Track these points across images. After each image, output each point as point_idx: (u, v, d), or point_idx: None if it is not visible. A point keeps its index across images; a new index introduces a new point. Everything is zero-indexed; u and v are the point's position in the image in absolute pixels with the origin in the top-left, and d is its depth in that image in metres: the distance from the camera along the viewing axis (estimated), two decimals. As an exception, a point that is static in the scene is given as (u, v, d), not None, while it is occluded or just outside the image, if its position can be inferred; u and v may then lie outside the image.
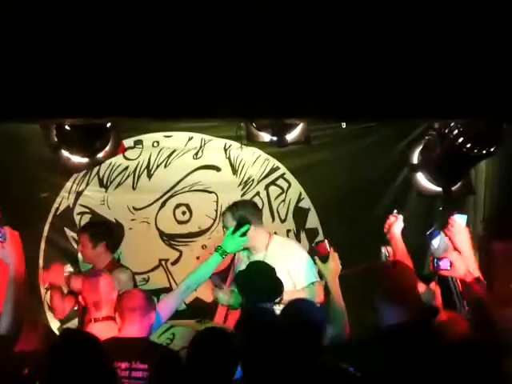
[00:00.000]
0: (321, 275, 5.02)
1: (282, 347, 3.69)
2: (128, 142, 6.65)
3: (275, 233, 6.08)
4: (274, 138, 5.94)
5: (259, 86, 4.24)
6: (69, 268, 6.13)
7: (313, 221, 6.96)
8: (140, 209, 6.85)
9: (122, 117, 4.82)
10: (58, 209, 6.82)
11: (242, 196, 6.78)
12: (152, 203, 6.86)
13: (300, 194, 6.97)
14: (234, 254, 5.85)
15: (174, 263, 6.87)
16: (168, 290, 6.50)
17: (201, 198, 6.87)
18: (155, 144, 6.85)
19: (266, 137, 5.95)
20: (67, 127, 5.45)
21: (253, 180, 6.91)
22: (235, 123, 6.31)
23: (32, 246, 6.58)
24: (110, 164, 6.71)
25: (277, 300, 4.93)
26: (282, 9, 4.03)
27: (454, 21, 4.28)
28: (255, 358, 3.70)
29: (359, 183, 6.68)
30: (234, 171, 6.90)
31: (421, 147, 6.01)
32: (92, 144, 5.82)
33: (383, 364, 3.78)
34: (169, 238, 6.89)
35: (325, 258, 4.68)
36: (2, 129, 6.00)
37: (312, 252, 5.30)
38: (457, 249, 4.34)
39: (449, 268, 4.29)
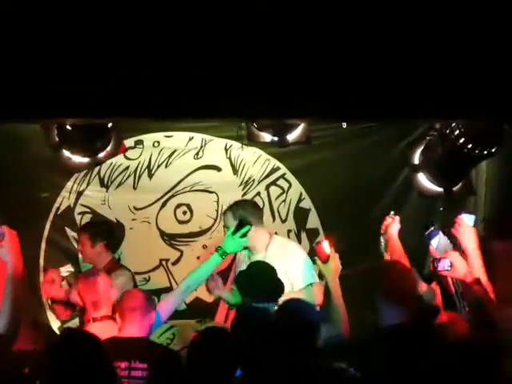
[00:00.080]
0: (321, 275, 5.01)
1: (276, 346, 3.68)
2: (129, 142, 6.66)
3: (276, 233, 6.07)
4: (275, 139, 5.95)
5: (259, 86, 4.24)
6: (69, 268, 6.14)
7: (313, 221, 6.96)
8: (141, 209, 6.85)
9: (123, 117, 4.82)
10: (58, 208, 6.81)
11: (242, 196, 6.78)
12: (153, 203, 6.86)
13: (301, 194, 6.97)
14: (235, 254, 5.85)
15: (174, 263, 6.87)
16: (169, 289, 6.48)
17: (201, 198, 6.87)
18: (156, 144, 6.85)
19: (267, 137, 5.96)
20: (68, 127, 5.46)
21: (253, 180, 6.91)
22: (236, 123, 6.31)
23: (33, 245, 6.59)
24: (111, 164, 6.71)
25: (277, 300, 4.92)
26: (282, 9, 4.03)
27: (454, 21, 4.28)
28: (250, 357, 3.70)
29: (360, 183, 6.69)
30: (235, 171, 6.90)
31: (422, 148, 6.01)
32: (93, 144, 5.82)
33: (383, 364, 3.78)
34: (169, 238, 6.89)
35: (325, 259, 4.69)
36: (3, 129, 6.00)
37: (313, 252, 5.30)
38: (463, 248, 4.35)
39: (449, 268, 4.29)
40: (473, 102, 4.50)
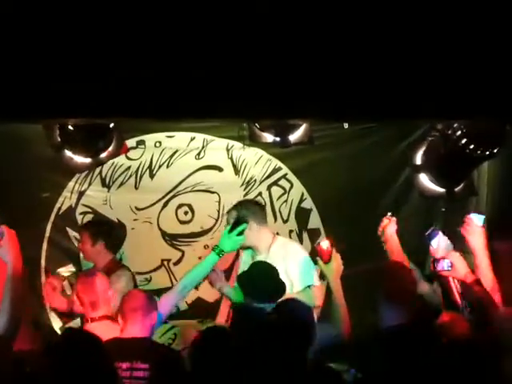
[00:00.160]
0: (323, 275, 5.02)
1: (271, 346, 3.68)
2: (130, 142, 6.65)
3: (277, 233, 6.07)
4: (277, 139, 5.94)
5: (260, 86, 4.24)
6: (71, 268, 6.14)
7: (315, 221, 6.96)
8: (142, 209, 6.85)
9: (124, 117, 4.83)
10: (60, 208, 6.81)
11: (244, 196, 6.77)
12: (154, 203, 6.86)
13: (302, 194, 6.96)
14: (237, 255, 5.84)
15: (176, 263, 6.87)
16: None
17: (203, 198, 6.87)
18: (157, 144, 6.85)
19: (269, 137, 5.95)
20: (70, 127, 5.46)
21: (255, 180, 6.91)
22: (237, 123, 6.31)
23: (34, 245, 6.60)
24: (113, 164, 6.70)
25: (278, 300, 4.92)
26: (282, 9, 4.03)
27: (457, 21, 4.28)
28: (246, 357, 3.70)
29: (361, 183, 6.68)
30: (237, 171, 6.90)
31: (424, 148, 6.00)
32: (95, 144, 5.82)
33: (383, 365, 3.78)
34: (171, 238, 6.89)
35: (327, 259, 4.69)
36: (5, 129, 6.01)
37: (314, 252, 5.30)
38: (470, 247, 4.35)
39: (449, 268, 4.30)
40: (474, 102, 4.50)
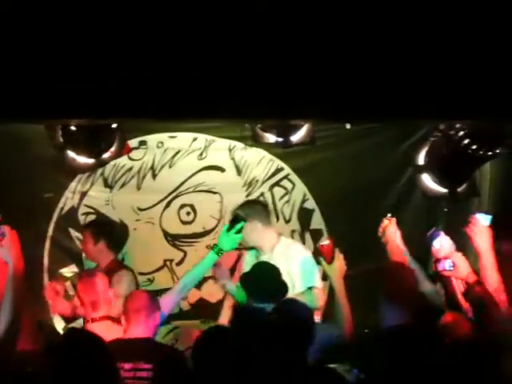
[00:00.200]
0: (326, 275, 5.02)
1: (270, 345, 3.68)
2: (132, 143, 6.65)
3: (280, 234, 6.08)
4: (280, 139, 5.94)
5: (262, 86, 4.24)
6: (73, 268, 6.14)
7: (317, 221, 6.96)
8: (144, 209, 6.86)
9: (125, 117, 4.83)
10: (62, 209, 6.83)
11: (246, 197, 6.77)
12: (156, 204, 6.87)
13: (304, 194, 6.96)
14: (239, 254, 5.85)
15: (178, 264, 6.87)
16: (173, 290, 6.49)
17: (205, 199, 6.88)
18: (160, 144, 6.86)
19: (271, 138, 5.96)
20: (73, 128, 5.46)
21: (257, 181, 6.92)
22: (239, 124, 6.31)
23: (37, 246, 6.63)
24: (115, 164, 6.71)
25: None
26: (282, 9, 4.03)
27: (459, 21, 4.27)
28: (245, 356, 3.70)
29: (362, 184, 6.68)
30: (239, 172, 6.90)
31: (426, 148, 6.00)
32: (97, 145, 5.81)
33: (384, 365, 3.78)
34: (173, 239, 6.90)
35: (330, 259, 4.69)
36: (7, 129, 6.02)
37: (317, 253, 5.30)
38: (476, 247, 4.35)
39: (451, 268, 4.30)
40: (476, 102, 4.49)
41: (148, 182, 6.87)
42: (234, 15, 4.01)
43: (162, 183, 6.88)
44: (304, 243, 6.66)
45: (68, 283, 6.08)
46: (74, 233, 6.80)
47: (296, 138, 5.86)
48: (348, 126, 6.26)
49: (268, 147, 6.71)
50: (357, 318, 4.54)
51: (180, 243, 6.89)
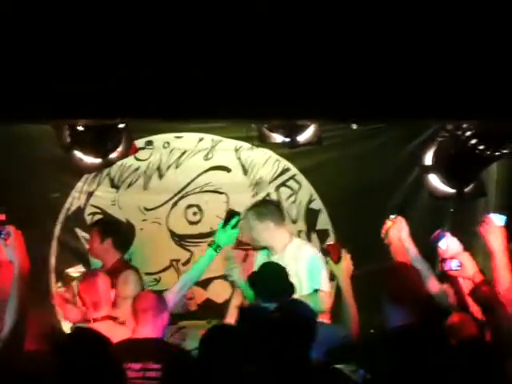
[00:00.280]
0: (333, 276, 5.02)
1: (273, 344, 3.68)
2: (139, 143, 6.65)
3: (292, 234, 6.08)
4: (286, 139, 5.94)
5: (268, 86, 4.24)
6: (80, 268, 6.14)
7: (324, 222, 6.96)
8: (151, 209, 6.86)
9: (129, 118, 4.84)
10: (69, 209, 6.83)
11: (252, 197, 6.77)
12: (163, 204, 6.87)
13: (311, 195, 6.96)
14: (246, 254, 5.86)
15: (185, 264, 6.87)
16: (180, 290, 6.49)
17: (211, 199, 6.87)
18: (166, 145, 6.86)
19: (277, 138, 5.96)
20: (80, 128, 5.47)
21: (264, 181, 6.91)
22: (246, 124, 6.30)
23: (43, 246, 6.63)
24: (121, 164, 6.71)
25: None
26: (283, 9, 4.02)
27: (467, 21, 4.27)
28: (249, 355, 3.70)
29: (369, 184, 6.67)
30: (245, 172, 6.90)
31: (434, 149, 5.99)
32: (104, 145, 5.82)
33: (390, 366, 3.77)
34: (180, 239, 6.90)
35: (337, 259, 4.69)
36: (14, 129, 6.03)
37: (324, 253, 5.30)
38: (489, 247, 4.34)
39: (458, 268, 4.28)
40: (483, 102, 4.49)
41: (154, 182, 6.87)
42: (235, 15, 4.01)
43: (168, 183, 6.88)
44: (310, 243, 6.64)
45: (75, 283, 6.08)
46: (80, 233, 6.81)
47: (303, 138, 5.86)
48: (354, 127, 6.25)
49: (274, 147, 6.71)
50: (362, 318, 4.53)
51: (186, 243, 6.89)
